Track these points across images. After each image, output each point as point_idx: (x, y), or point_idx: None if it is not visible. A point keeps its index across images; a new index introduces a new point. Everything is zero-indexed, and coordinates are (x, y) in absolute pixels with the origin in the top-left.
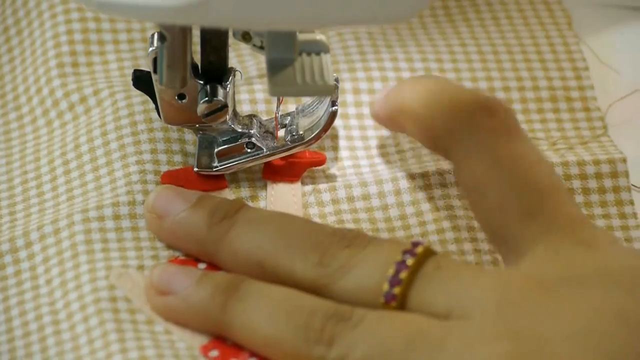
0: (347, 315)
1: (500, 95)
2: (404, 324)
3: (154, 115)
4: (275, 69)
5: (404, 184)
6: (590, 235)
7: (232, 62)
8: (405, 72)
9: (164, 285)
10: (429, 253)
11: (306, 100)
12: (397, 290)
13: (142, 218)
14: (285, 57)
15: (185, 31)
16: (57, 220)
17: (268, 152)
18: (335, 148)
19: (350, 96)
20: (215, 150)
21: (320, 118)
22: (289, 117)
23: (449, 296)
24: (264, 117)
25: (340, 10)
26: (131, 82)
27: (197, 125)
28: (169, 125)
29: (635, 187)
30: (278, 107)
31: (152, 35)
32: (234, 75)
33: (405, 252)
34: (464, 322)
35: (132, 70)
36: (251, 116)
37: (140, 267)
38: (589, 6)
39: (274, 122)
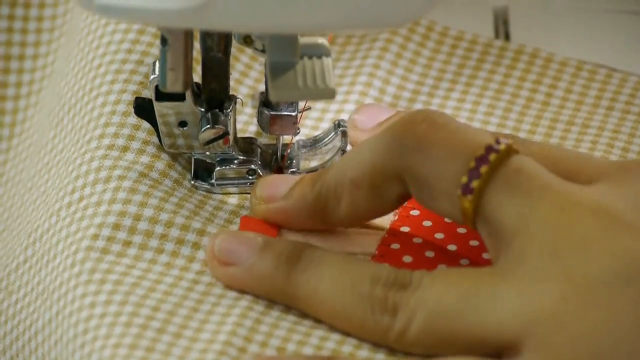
0: (406, 281)
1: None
2: (456, 280)
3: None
4: (277, 72)
5: None
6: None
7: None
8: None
9: (226, 256)
10: (512, 151)
11: (308, 135)
12: (475, 183)
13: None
14: (286, 60)
15: (187, 34)
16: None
17: None
18: None
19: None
20: (217, 168)
21: (327, 162)
22: (289, 150)
23: (516, 213)
24: (263, 139)
25: (342, 15)
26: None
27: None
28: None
29: None
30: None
31: (154, 63)
32: (235, 103)
33: (488, 147)
34: (516, 266)
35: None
36: (252, 141)
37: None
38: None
39: (272, 150)
